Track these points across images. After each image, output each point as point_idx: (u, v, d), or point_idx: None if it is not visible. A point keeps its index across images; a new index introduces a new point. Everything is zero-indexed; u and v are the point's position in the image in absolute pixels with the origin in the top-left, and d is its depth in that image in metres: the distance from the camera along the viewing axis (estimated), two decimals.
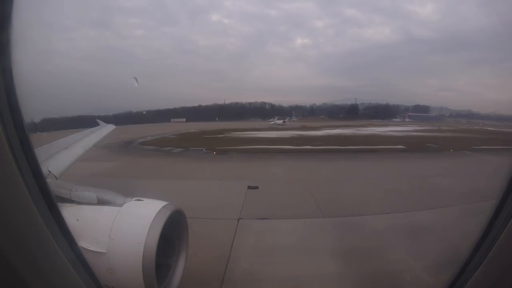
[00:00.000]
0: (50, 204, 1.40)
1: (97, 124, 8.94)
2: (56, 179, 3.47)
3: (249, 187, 11.24)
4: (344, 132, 39.45)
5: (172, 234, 2.61)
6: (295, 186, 11.88)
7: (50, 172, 3.51)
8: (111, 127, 9.00)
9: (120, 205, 2.48)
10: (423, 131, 40.34)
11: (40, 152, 4.11)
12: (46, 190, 1.40)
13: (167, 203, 2.53)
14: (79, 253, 1.63)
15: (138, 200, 2.58)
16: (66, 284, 1.41)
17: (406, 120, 45.08)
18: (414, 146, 25.09)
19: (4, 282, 1.12)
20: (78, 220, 2.31)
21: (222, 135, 34.97)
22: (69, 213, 2.30)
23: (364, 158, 19.85)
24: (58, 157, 4.35)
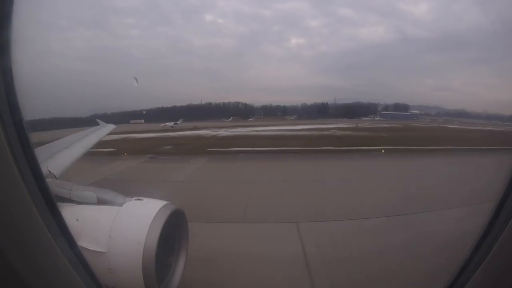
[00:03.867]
0: (50, 204, 1.40)
1: (97, 124, 8.94)
2: (56, 178, 3.47)
3: None
4: (185, 134, 34.74)
5: (172, 233, 2.61)
6: None
7: (50, 172, 3.51)
8: (111, 126, 9.00)
9: (120, 204, 2.48)
10: (319, 129, 35.23)
11: (40, 152, 4.11)
12: (46, 190, 1.39)
13: (167, 202, 2.53)
14: (79, 253, 1.63)
15: (138, 199, 2.58)
16: (66, 284, 1.41)
17: (376, 118, 44.38)
18: (136, 150, 21.30)
19: (4, 282, 1.12)
20: (78, 220, 2.31)
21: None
22: (69, 213, 2.30)
23: None
24: (58, 157, 4.35)
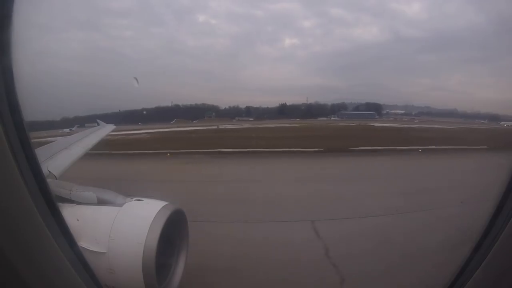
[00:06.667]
0: (50, 204, 1.40)
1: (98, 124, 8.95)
2: (56, 179, 3.46)
3: None
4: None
5: (172, 234, 2.61)
6: None
7: (50, 172, 3.51)
8: (111, 127, 9.01)
9: (120, 205, 2.48)
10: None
11: (40, 152, 4.11)
12: (46, 190, 1.39)
13: (167, 203, 2.53)
14: (79, 253, 1.63)
15: (138, 200, 2.58)
16: (66, 284, 1.41)
17: (332, 118, 44.59)
18: None
19: (4, 282, 1.12)
20: (78, 220, 2.31)
21: None
22: (69, 213, 2.30)
23: None
24: (58, 157, 4.35)
